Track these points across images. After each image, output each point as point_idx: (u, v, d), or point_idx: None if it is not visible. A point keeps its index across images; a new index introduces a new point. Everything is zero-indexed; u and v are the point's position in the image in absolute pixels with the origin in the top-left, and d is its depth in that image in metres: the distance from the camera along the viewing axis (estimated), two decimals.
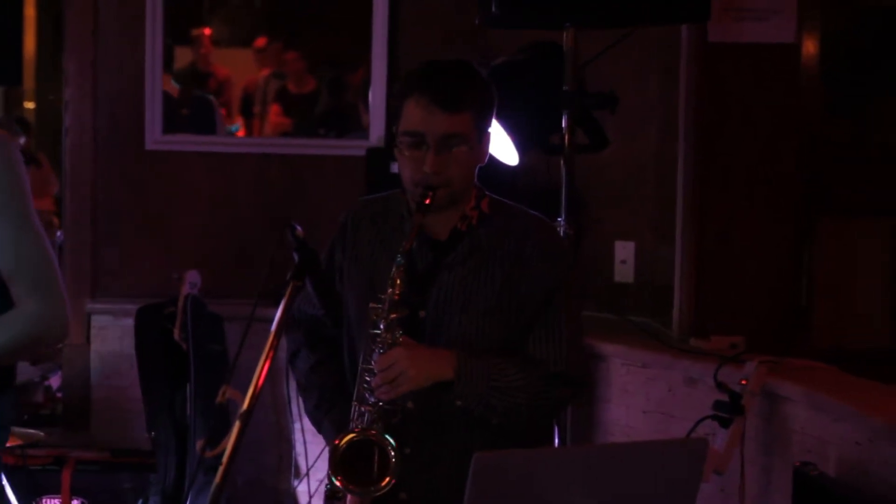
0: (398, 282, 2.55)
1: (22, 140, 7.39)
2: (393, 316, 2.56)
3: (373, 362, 2.57)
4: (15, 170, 2.60)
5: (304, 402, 2.87)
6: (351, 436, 2.53)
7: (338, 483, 2.51)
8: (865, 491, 3.07)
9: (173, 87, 6.11)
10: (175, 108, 5.96)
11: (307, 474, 4.72)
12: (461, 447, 2.55)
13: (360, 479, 2.52)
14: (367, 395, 2.58)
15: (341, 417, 2.67)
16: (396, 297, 2.55)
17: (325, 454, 2.63)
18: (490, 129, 2.69)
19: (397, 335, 2.56)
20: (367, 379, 2.57)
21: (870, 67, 4.80)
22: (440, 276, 2.67)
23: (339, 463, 2.51)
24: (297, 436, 4.83)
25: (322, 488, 2.80)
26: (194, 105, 6.25)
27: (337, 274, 2.76)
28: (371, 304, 2.58)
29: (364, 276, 2.73)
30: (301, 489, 4.89)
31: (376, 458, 2.53)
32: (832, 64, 4.65)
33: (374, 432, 2.53)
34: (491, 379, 2.60)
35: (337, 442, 2.53)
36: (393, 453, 2.50)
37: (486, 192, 2.74)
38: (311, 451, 4.68)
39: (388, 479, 2.50)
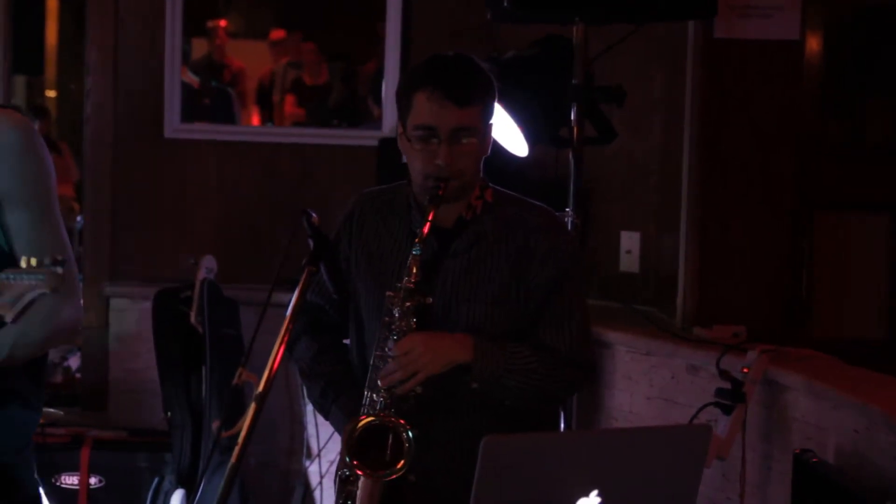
0: (414, 270, 2.58)
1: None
2: (408, 304, 2.58)
3: (387, 349, 2.59)
4: (36, 156, 2.49)
5: (308, 389, 2.87)
6: (368, 419, 2.55)
7: (353, 464, 2.52)
8: (863, 477, 3.06)
9: (192, 79, 6.17)
10: (196, 98, 6.00)
11: (318, 455, 4.79)
12: (469, 430, 2.58)
13: (374, 462, 2.54)
14: (380, 382, 2.58)
15: (349, 404, 2.69)
16: (412, 286, 2.58)
17: (336, 437, 2.66)
18: (492, 122, 2.71)
19: (412, 322, 2.58)
20: (381, 366, 2.59)
21: (869, 66, 4.76)
22: (445, 264, 2.69)
23: (355, 447, 2.53)
24: (309, 418, 4.90)
25: (333, 469, 2.86)
26: (214, 96, 6.28)
27: (343, 263, 2.77)
28: (388, 293, 2.60)
29: (372, 267, 2.75)
30: (312, 470, 4.93)
31: (390, 443, 2.54)
32: (834, 61, 4.61)
33: (398, 419, 2.54)
34: (507, 361, 2.62)
35: (352, 425, 2.53)
36: (407, 439, 2.51)
37: (490, 184, 2.77)
38: (322, 433, 4.76)
39: (402, 462, 2.51)
